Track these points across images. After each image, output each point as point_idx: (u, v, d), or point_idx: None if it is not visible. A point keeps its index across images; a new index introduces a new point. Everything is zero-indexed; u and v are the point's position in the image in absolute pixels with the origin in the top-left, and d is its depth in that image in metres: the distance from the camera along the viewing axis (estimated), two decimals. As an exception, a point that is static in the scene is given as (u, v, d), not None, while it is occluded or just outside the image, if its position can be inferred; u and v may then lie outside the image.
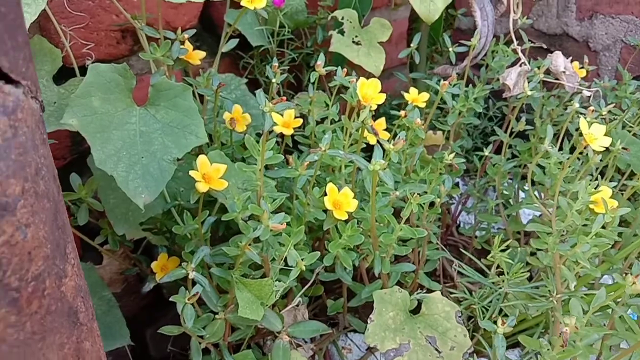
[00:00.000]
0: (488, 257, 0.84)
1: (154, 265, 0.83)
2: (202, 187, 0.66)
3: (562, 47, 1.51)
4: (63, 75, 0.88)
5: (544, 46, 1.03)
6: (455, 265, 1.02)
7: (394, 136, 0.95)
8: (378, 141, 0.71)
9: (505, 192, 1.08)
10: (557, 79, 0.99)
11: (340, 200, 0.71)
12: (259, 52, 1.30)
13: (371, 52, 1.09)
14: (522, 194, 1.15)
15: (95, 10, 1.02)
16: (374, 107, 0.75)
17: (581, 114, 0.91)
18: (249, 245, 0.68)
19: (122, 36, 1.08)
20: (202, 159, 0.68)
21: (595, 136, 0.67)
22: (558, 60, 0.97)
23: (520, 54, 1.00)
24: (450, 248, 1.36)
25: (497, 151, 1.19)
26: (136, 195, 0.72)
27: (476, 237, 1.18)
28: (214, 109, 0.91)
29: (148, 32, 0.82)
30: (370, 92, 0.75)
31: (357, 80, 0.78)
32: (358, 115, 0.78)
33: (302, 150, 1.02)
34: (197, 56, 0.95)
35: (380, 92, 0.77)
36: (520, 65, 0.99)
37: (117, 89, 0.76)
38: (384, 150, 0.70)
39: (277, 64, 0.90)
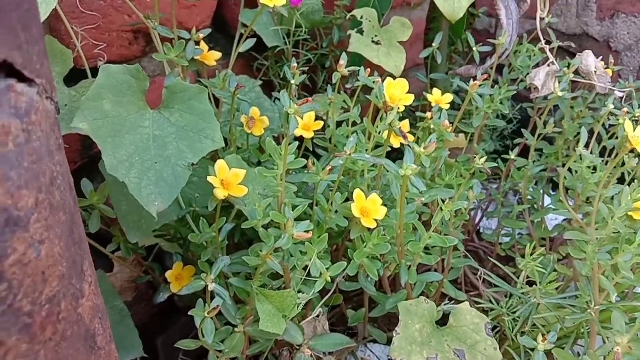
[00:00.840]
0: (521, 265, 0.80)
1: (168, 274, 0.79)
2: (220, 193, 0.63)
3: (582, 47, 1.46)
4: (74, 77, 0.85)
5: (573, 45, 0.99)
6: (481, 273, 0.98)
7: (417, 140, 0.92)
8: (405, 144, 0.68)
9: (531, 196, 1.04)
10: (586, 79, 0.95)
11: (368, 208, 0.67)
12: (273, 53, 1.27)
13: (391, 52, 1.05)
14: (547, 199, 1.11)
15: (107, 10, 0.98)
16: (402, 108, 0.71)
17: (613, 115, 0.87)
18: (270, 254, 0.64)
19: (134, 37, 1.04)
20: (220, 164, 0.64)
21: (641, 138, 0.63)
22: (589, 60, 0.93)
23: (549, 54, 0.95)
24: (471, 254, 1.32)
25: (520, 154, 1.15)
26: (149, 203, 0.68)
27: (500, 243, 1.14)
28: (230, 112, 0.87)
29: (162, 32, 0.79)
30: (397, 93, 0.71)
31: (382, 80, 0.74)
32: (382, 118, 0.74)
33: (319, 153, 0.98)
34: (212, 57, 0.92)
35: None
36: (549, 65, 0.95)
37: (129, 92, 0.72)
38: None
39: (295, 65, 0.87)
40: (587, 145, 0.95)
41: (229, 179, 0.64)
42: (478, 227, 1.29)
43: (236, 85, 0.80)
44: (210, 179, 0.63)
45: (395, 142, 0.85)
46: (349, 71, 0.81)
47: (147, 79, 0.74)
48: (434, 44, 1.05)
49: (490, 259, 0.94)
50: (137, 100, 0.73)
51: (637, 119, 0.94)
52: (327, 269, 0.68)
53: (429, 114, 0.82)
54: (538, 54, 1.01)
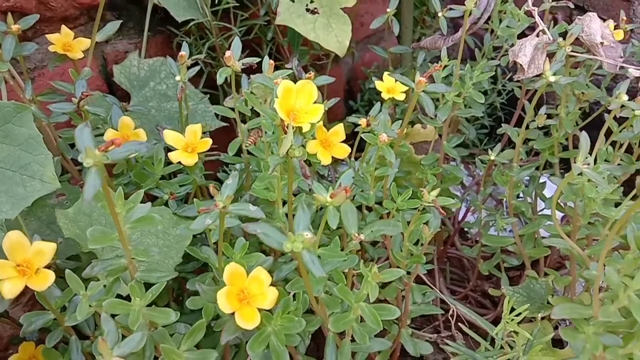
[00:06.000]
0: (494, 331, 0.58)
1: (11, 361, 0.58)
2: (10, 288, 0.40)
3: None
4: None
5: (570, 4, 0.73)
6: (453, 312, 0.76)
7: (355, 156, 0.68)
8: (312, 188, 0.44)
9: (519, 206, 0.80)
10: (590, 52, 0.70)
11: (250, 291, 0.44)
12: (196, 27, 1.02)
13: (332, 23, 0.80)
14: (541, 203, 0.87)
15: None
16: (307, 127, 0.47)
17: (626, 107, 0.63)
18: None
19: None
20: (11, 239, 0.41)
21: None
22: (592, 27, 0.68)
23: (538, 18, 0.70)
24: (451, 261, 1.10)
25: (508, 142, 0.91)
26: None
27: (483, 258, 0.91)
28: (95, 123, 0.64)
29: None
30: (300, 104, 0.47)
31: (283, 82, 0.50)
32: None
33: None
34: (78, 46, 0.67)
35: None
36: (538, 35, 0.70)
37: None
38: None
39: (185, 53, 0.63)
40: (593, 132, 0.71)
41: (30, 260, 0.41)
42: (467, 224, 1.06)
43: (81, 93, 0.56)
44: (-10, 267, 0.40)
45: (325, 157, 0.62)
46: (250, 64, 0.57)
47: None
48: (388, 9, 0.80)
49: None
50: None
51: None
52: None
53: (363, 121, 0.58)
54: (524, 18, 0.75)
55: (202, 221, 0.43)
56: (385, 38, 1.45)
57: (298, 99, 0.48)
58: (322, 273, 0.38)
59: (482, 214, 0.85)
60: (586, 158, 0.57)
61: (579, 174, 0.54)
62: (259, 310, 0.46)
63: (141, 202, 0.49)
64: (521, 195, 0.84)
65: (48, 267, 0.61)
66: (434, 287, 0.75)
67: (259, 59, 0.57)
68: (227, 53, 0.54)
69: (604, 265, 0.51)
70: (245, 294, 0.43)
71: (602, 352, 0.46)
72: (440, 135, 0.82)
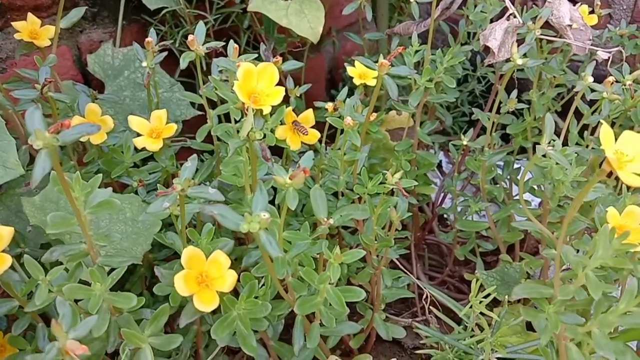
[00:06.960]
0: (462, 312, 0.58)
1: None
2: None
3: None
4: None
5: (541, -11, 0.74)
6: (426, 296, 0.77)
7: (324, 141, 0.68)
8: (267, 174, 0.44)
9: (492, 190, 0.80)
10: (559, 35, 0.70)
11: (208, 274, 0.44)
12: (171, 16, 1.01)
13: (305, 9, 0.79)
14: (515, 188, 0.88)
15: None
16: (267, 109, 0.47)
17: (595, 90, 0.63)
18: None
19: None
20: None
21: (628, 157, 0.39)
22: (561, 9, 0.68)
23: (508, 2, 0.70)
24: (430, 247, 1.11)
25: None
26: None
27: (459, 243, 0.91)
28: (56, 114, 0.63)
29: None
30: (262, 87, 0.47)
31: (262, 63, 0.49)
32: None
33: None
34: (45, 34, 0.67)
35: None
36: (508, 19, 0.70)
37: None
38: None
39: (152, 40, 0.62)
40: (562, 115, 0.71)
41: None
42: (442, 210, 1.06)
43: (44, 79, 0.55)
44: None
45: (294, 143, 0.62)
46: (213, 48, 0.56)
47: None
48: (361, -6, 0.80)
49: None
50: None
51: (628, 87, 0.70)
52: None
53: (329, 105, 0.58)
54: (495, 2, 0.75)
55: (160, 204, 0.43)
56: (367, 26, 1.45)
57: (259, 82, 0.48)
58: (278, 253, 0.38)
59: (458, 199, 0.85)
60: (553, 140, 0.57)
61: (542, 156, 0.54)
62: (223, 294, 0.46)
63: (112, 190, 0.49)
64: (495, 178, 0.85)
65: (19, 255, 0.60)
66: (407, 272, 0.75)
67: (225, 44, 0.57)
68: (190, 37, 0.54)
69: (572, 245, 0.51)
70: (204, 277, 0.43)
71: (563, 330, 0.47)
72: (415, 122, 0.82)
